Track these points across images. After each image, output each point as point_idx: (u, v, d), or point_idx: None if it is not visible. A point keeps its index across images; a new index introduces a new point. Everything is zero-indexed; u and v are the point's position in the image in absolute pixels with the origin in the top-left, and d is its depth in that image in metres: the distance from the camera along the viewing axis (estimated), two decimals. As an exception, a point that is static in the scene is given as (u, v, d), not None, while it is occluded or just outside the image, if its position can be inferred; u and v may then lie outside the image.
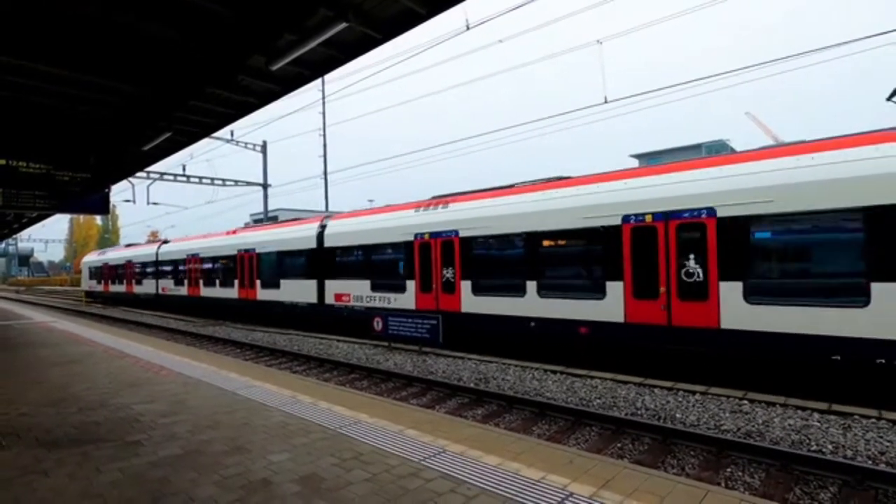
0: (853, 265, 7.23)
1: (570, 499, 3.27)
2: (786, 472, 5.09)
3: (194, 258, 23.33)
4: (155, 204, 27.56)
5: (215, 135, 16.33)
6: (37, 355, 9.32)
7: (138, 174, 22.49)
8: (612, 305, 9.28)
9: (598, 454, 5.01)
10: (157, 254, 26.76)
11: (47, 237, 75.05)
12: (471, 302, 11.69)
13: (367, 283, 14.32)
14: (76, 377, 7.21)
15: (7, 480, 3.65)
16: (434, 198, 13.47)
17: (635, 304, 9.03)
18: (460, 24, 9.44)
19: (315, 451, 4.15)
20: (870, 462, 5.21)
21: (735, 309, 7.90)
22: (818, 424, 6.16)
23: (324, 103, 28.56)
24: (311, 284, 16.21)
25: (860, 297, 6.89)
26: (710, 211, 8.20)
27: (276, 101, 8.11)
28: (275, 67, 6.20)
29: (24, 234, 55.12)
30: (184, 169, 25.65)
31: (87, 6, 5.30)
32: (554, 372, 9.20)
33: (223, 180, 27.78)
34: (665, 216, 8.69)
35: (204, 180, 26.79)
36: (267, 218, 29.64)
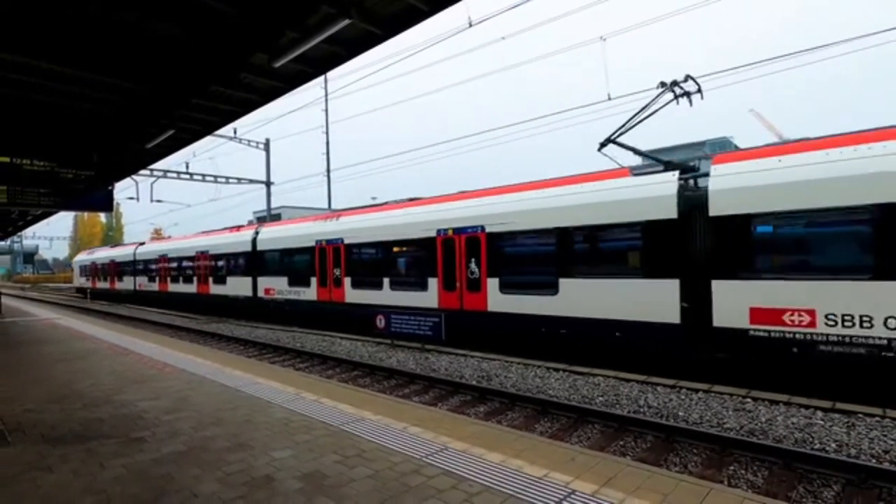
0: (552, 266, 10.18)
1: (573, 496, 3.27)
2: (789, 471, 5.08)
3: (164, 258, 26.10)
4: (158, 201, 27.68)
5: (218, 132, 16.32)
6: (41, 352, 9.37)
7: (142, 172, 22.44)
8: (431, 296, 12.50)
9: (601, 452, 5.00)
10: (134, 254, 29.84)
11: (52, 234, 75.37)
12: (351, 294, 14.98)
13: (285, 280, 17.64)
14: (80, 374, 7.25)
15: (12, 477, 3.68)
16: (333, 211, 16.73)
17: (444, 294, 12.26)
18: (462, 21, 9.44)
19: (318, 447, 4.16)
20: (873, 461, 5.19)
21: (495, 297, 11.14)
22: (821, 423, 6.14)
23: (326, 101, 28.54)
24: (248, 281, 19.58)
25: (554, 289, 10.04)
26: (482, 228, 11.37)
27: (279, 99, 8.12)
28: (277, 65, 6.19)
29: (29, 231, 55.47)
30: (187, 166, 25.68)
31: (89, 5, 5.30)
32: (556, 370, 9.21)
33: (226, 178, 27.84)
34: (459, 231, 11.87)
35: (207, 178, 26.80)
36: (270, 216, 29.71)
